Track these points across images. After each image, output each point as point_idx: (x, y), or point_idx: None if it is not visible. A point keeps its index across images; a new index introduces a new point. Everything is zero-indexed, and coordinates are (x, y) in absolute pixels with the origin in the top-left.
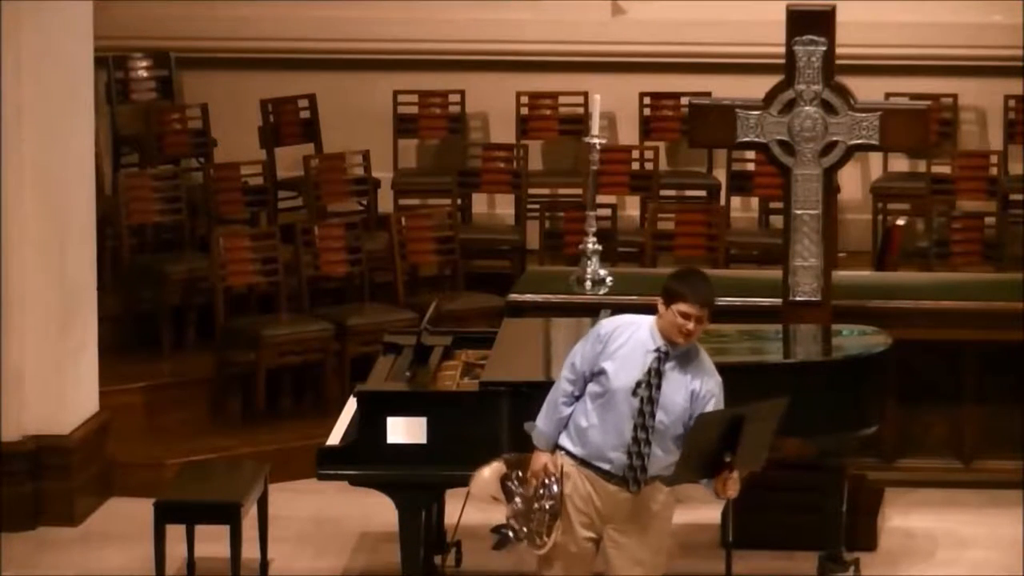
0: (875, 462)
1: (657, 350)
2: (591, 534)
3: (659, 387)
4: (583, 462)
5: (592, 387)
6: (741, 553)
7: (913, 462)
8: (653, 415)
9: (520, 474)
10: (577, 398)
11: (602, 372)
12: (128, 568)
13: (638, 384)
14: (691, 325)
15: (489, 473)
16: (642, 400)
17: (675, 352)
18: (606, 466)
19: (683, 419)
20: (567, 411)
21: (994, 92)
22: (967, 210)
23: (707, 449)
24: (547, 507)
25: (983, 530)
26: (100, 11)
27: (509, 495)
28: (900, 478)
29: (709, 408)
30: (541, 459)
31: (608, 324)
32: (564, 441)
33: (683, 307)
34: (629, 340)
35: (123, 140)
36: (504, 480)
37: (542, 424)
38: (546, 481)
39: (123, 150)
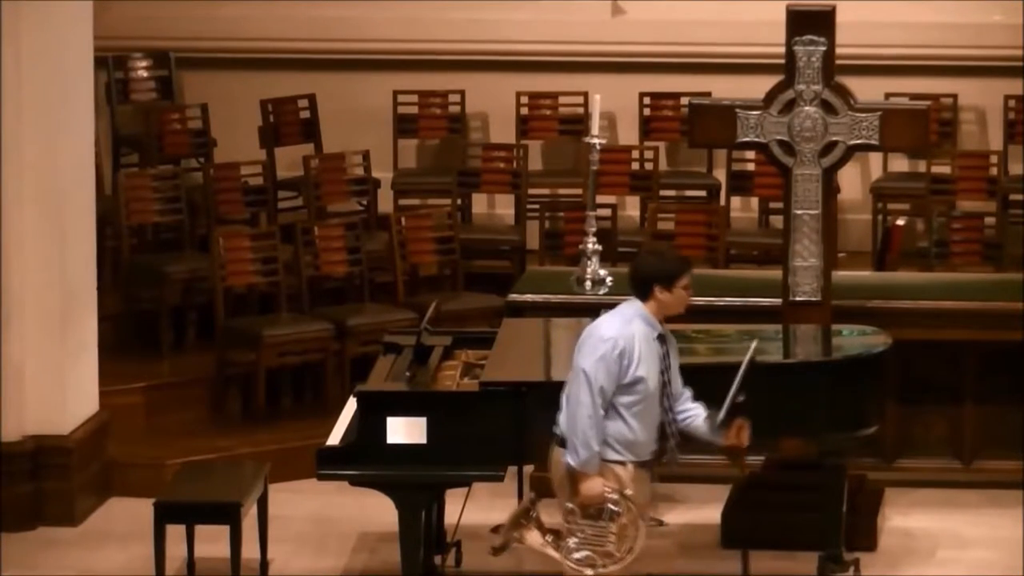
0: (875, 462)
1: (659, 336)
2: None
3: (670, 367)
4: (637, 464)
5: (624, 398)
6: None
7: (913, 462)
8: (670, 395)
9: (578, 508)
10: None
11: (638, 380)
12: (128, 568)
13: (660, 373)
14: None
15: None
16: (663, 385)
17: (663, 329)
18: (649, 456)
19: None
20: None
21: (994, 92)
22: (967, 210)
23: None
24: (625, 518)
25: (983, 530)
26: (100, 11)
27: (575, 530)
28: (900, 478)
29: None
30: (597, 484)
31: (617, 337)
32: (614, 455)
33: (687, 280)
34: (641, 340)
35: (123, 140)
36: (568, 521)
37: (587, 454)
38: (613, 498)
39: (123, 150)
